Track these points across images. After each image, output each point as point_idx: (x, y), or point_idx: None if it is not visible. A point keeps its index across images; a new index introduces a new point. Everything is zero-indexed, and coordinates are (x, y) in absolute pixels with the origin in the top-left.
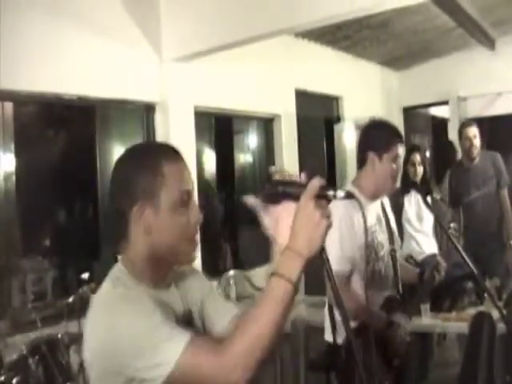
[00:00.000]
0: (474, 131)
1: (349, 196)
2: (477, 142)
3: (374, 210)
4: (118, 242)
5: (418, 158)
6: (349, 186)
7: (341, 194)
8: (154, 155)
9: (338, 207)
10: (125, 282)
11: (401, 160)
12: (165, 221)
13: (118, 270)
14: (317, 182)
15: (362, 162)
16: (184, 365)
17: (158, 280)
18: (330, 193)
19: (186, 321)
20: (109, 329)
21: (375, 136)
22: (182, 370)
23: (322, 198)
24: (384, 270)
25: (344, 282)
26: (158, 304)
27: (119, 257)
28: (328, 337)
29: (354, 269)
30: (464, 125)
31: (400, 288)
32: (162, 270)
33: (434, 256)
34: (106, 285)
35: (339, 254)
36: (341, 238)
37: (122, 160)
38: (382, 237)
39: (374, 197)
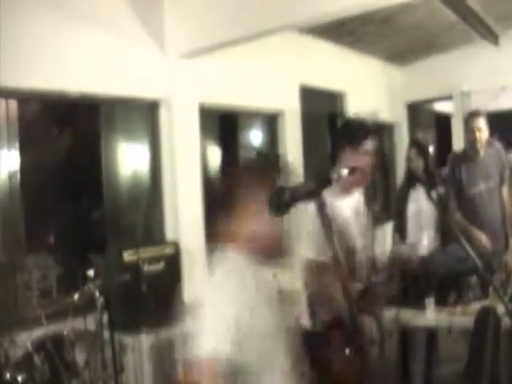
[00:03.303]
0: (478, 124)
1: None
2: (481, 135)
3: (349, 203)
4: None
5: (414, 152)
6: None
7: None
8: None
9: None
10: None
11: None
12: None
13: None
14: None
15: (337, 155)
16: None
17: None
18: None
19: None
20: None
21: (346, 134)
22: None
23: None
24: (358, 262)
25: (319, 272)
26: None
27: None
28: (304, 321)
29: (331, 259)
30: (469, 116)
31: (373, 280)
32: None
33: (437, 252)
34: None
35: (313, 243)
36: (314, 229)
37: None
38: (357, 229)
39: (348, 191)
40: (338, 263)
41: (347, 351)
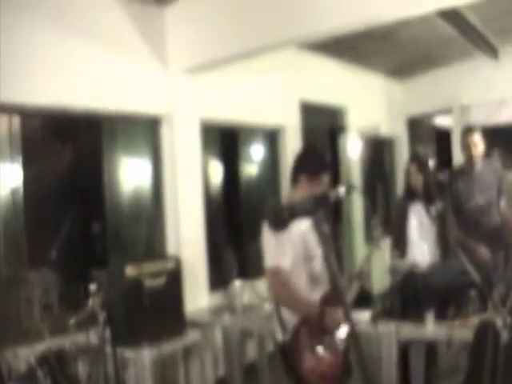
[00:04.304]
0: (474, 140)
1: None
2: (477, 150)
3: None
4: None
5: (414, 167)
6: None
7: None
8: None
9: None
10: None
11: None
12: None
13: None
14: None
15: (294, 181)
16: None
17: None
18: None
19: None
20: None
21: (309, 162)
22: None
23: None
24: (319, 269)
25: (285, 277)
26: None
27: None
28: (279, 336)
29: (295, 266)
30: (464, 132)
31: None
32: None
33: (437, 265)
34: None
35: (280, 250)
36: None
37: None
38: (315, 240)
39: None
40: (334, 274)
41: (319, 349)
